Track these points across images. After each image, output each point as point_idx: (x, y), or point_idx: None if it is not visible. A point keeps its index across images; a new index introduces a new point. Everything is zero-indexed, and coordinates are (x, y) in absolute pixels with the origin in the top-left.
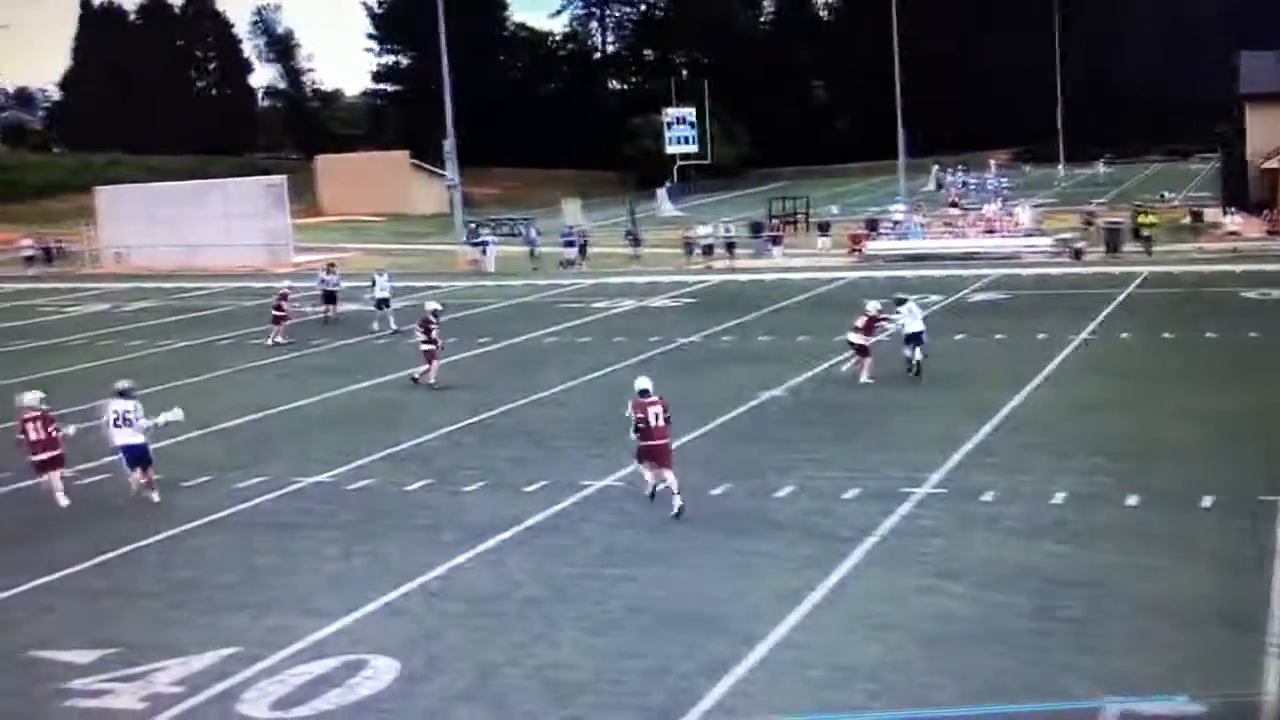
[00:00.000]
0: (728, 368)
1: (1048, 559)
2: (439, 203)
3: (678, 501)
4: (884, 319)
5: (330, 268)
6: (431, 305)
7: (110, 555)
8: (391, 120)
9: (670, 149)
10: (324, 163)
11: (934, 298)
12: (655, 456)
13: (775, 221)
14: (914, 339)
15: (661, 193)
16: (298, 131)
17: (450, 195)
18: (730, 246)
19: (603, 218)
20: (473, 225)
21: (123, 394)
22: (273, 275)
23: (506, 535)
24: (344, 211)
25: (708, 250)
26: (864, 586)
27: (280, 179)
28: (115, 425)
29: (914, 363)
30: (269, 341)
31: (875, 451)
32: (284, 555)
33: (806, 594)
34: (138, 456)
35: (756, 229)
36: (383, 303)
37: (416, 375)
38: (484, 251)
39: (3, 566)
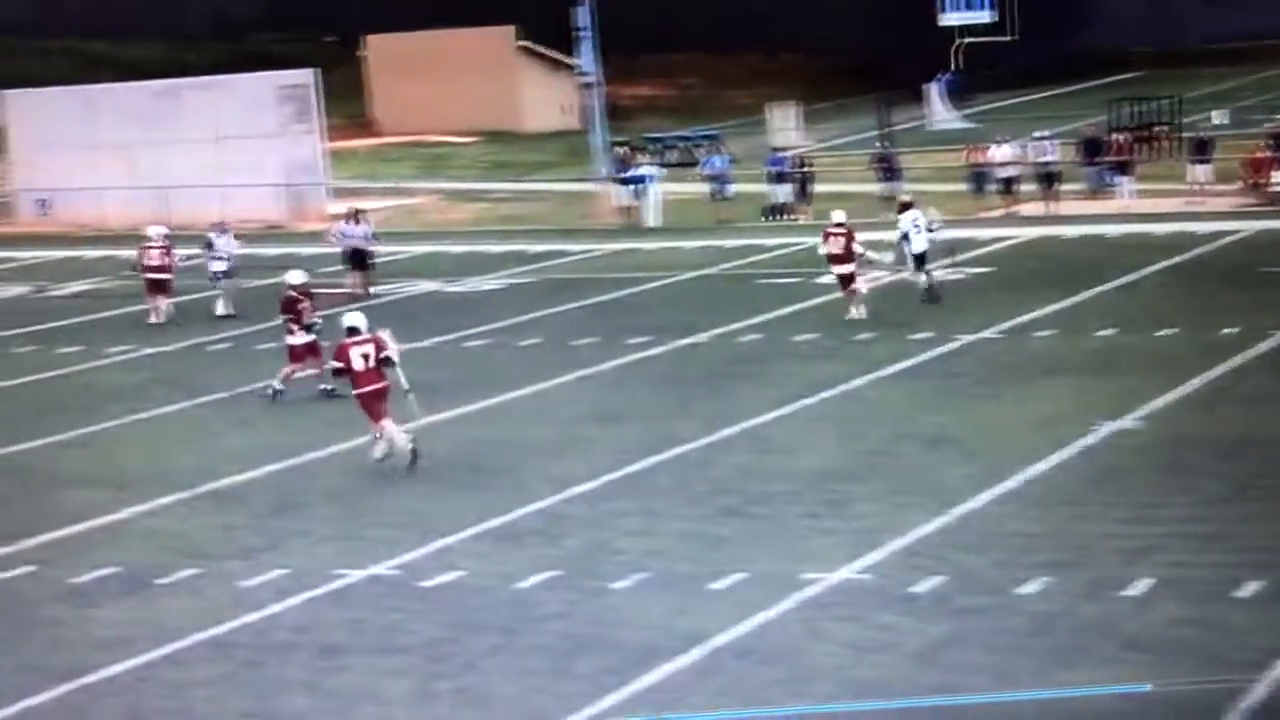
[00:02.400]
0: (1041, 382)
1: None
2: (566, 113)
3: (405, 446)
4: (851, 232)
5: (357, 215)
6: (296, 276)
7: (59, 690)
8: None
9: (946, 18)
10: (378, 48)
11: None
12: (366, 407)
13: (1120, 138)
14: (920, 261)
15: (934, 91)
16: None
17: (585, 99)
18: (1049, 179)
19: (835, 134)
20: (622, 150)
21: None
22: (294, 236)
23: (682, 661)
24: (412, 129)
25: (1009, 186)
26: None
27: (306, 76)
28: None
29: (929, 287)
30: (154, 319)
31: None
32: (323, 697)
33: None
34: None
35: (1092, 149)
36: (224, 275)
37: (323, 385)
38: (640, 192)
39: None
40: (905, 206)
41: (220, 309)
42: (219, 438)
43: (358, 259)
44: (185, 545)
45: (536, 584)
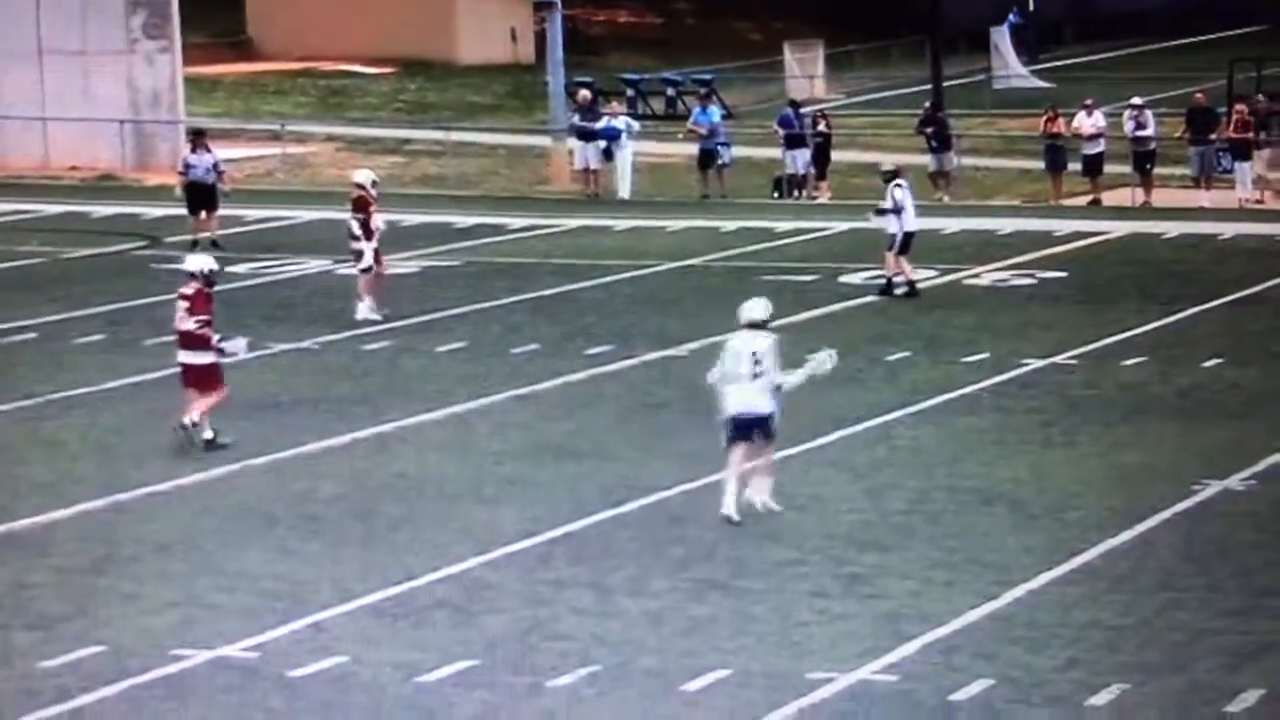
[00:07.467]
0: (1128, 425)
1: None
2: (513, 45)
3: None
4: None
5: (201, 140)
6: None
7: None
8: None
9: None
10: None
11: None
12: None
13: (1245, 110)
14: (907, 244)
15: (1000, 36)
16: None
17: (540, 25)
18: (1144, 159)
19: (872, 87)
20: (584, 94)
21: None
22: (136, 191)
23: None
24: (303, 52)
25: (1093, 166)
26: None
27: None
28: None
29: (890, 281)
30: (359, 314)
31: None
32: None
33: None
34: None
35: (1202, 123)
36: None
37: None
38: (608, 153)
39: None
40: (890, 176)
41: None
42: None
43: (202, 197)
44: None
45: (444, 678)
